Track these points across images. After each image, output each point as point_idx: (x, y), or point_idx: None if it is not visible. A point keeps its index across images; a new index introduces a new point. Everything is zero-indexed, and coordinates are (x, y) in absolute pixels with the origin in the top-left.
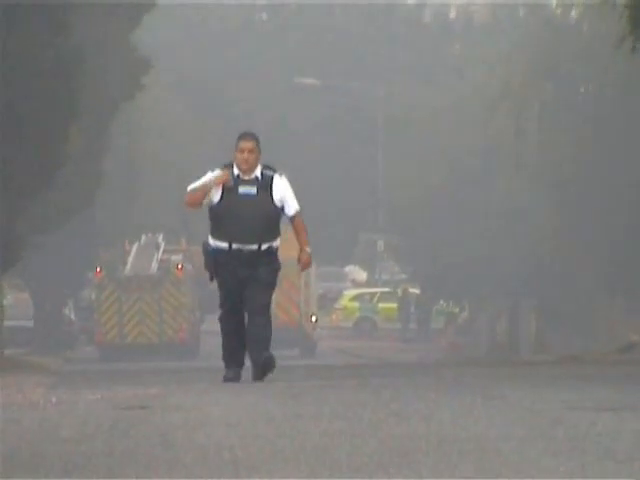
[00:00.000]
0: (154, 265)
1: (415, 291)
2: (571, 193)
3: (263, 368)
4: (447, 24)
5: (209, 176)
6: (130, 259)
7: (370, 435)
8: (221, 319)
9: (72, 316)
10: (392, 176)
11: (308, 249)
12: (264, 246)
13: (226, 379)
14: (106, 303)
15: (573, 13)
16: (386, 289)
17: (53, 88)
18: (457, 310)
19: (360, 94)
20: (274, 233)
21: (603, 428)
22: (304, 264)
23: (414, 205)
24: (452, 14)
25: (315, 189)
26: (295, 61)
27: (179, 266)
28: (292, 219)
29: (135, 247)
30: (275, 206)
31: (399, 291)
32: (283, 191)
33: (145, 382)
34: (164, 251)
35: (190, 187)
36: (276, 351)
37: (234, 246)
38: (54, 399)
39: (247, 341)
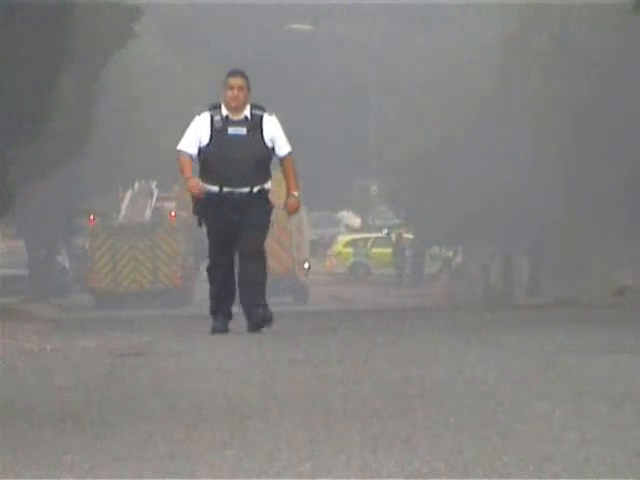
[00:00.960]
0: (148, 212)
1: (409, 236)
2: (567, 136)
3: (259, 323)
4: None
5: (193, 126)
6: (123, 206)
7: (364, 380)
8: (209, 269)
9: (66, 264)
10: (387, 122)
11: (296, 193)
12: (256, 188)
13: (214, 330)
14: (100, 251)
15: None
16: (380, 234)
17: (42, 35)
18: (451, 255)
19: (353, 39)
20: (265, 175)
21: (598, 371)
22: (291, 209)
23: (407, 150)
24: None
25: (309, 133)
26: (288, 8)
27: (172, 213)
28: (282, 160)
29: (128, 194)
30: (266, 147)
31: (393, 236)
32: (274, 131)
33: (140, 329)
34: (158, 198)
35: (179, 145)
36: (268, 299)
37: (225, 189)
38: (49, 347)
39: (239, 289)
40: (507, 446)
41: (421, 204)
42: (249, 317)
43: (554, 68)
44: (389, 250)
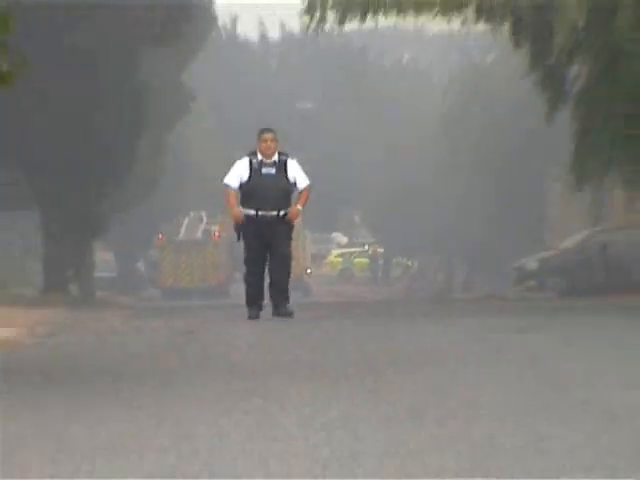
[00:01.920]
0: (199, 233)
1: (380, 250)
2: (494, 176)
3: (283, 315)
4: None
5: (236, 166)
6: (182, 229)
7: (350, 351)
8: (246, 274)
9: (142, 269)
10: (367, 172)
11: (299, 207)
12: (282, 212)
13: (250, 317)
14: (165, 260)
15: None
16: (361, 249)
17: (126, 111)
18: (410, 263)
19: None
20: (289, 203)
21: (520, 344)
22: (292, 215)
23: (380, 192)
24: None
25: (314, 167)
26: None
27: (216, 233)
28: (300, 191)
29: (186, 220)
30: (289, 182)
31: (370, 250)
32: (295, 171)
33: (193, 315)
34: (206, 223)
35: (225, 180)
36: None
37: (260, 213)
38: (130, 326)
39: (270, 289)
40: (449, 390)
41: (389, 228)
42: (276, 309)
43: (485, 133)
44: (367, 260)
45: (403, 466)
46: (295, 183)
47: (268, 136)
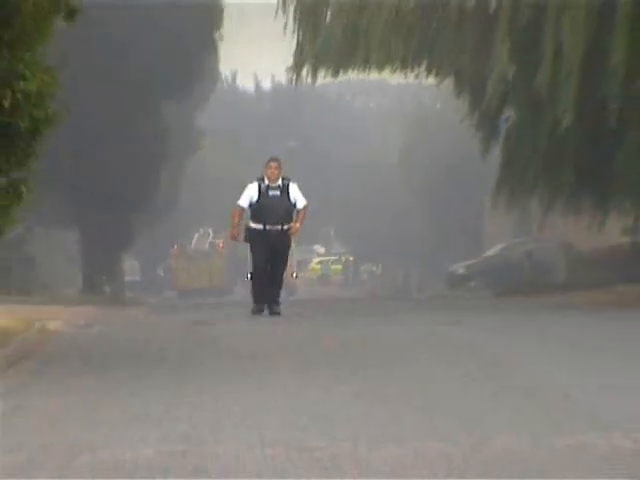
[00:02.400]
0: (206, 245)
1: (350, 258)
2: (431, 201)
3: (274, 312)
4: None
5: (248, 189)
6: (193, 241)
7: (327, 339)
8: (253, 276)
9: (161, 274)
10: (341, 196)
11: (298, 225)
12: (285, 227)
13: (254, 311)
14: (180, 266)
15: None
16: (335, 257)
17: (152, 147)
18: (374, 268)
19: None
20: (290, 219)
21: (451, 334)
22: (293, 230)
23: (349, 212)
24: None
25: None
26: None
27: (220, 245)
28: (299, 210)
29: (196, 235)
30: (291, 202)
31: (343, 258)
32: (295, 193)
33: (203, 310)
34: (212, 237)
35: (239, 201)
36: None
37: (267, 227)
38: (150, 319)
39: (267, 289)
40: (403, 371)
41: (357, 241)
42: (270, 309)
43: (433, 164)
44: (340, 266)
45: (368, 431)
46: (295, 203)
47: (274, 164)
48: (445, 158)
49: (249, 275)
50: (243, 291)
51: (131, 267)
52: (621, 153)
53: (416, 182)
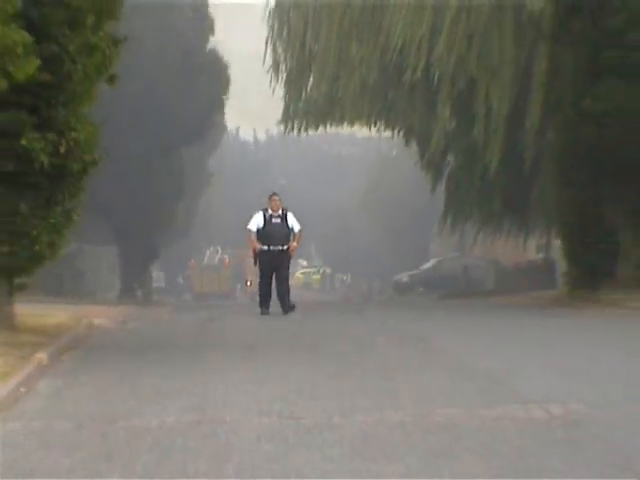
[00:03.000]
0: (216, 260)
1: (328, 270)
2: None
3: (286, 311)
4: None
5: (255, 217)
6: (205, 257)
7: (309, 331)
8: (260, 285)
9: (181, 281)
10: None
11: (295, 244)
12: (284, 247)
13: (261, 314)
14: (195, 275)
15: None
16: (315, 269)
17: (172, 183)
18: (345, 278)
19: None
20: (288, 240)
21: (403, 327)
22: (291, 249)
23: (326, 234)
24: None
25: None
26: None
27: (227, 261)
28: (295, 233)
29: (208, 252)
30: (289, 228)
31: (321, 270)
32: (292, 220)
33: (212, 310)
34: (220, 254)
35: (249, 225)
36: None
37: (271, 247)
38: (172, 317)
39: (278, 296)
40: (368, 356)
41: (332, 256)
42: (283, 309)
43: (391, 197)
44: (319, 276)
45: (341, 404)
46: (292, 228)
47: (276, 197)
48: (400, 194)
49: (248, 283)
50: (243, 295)
51: (157, 276)
52: (535, 189)
53: (377, 212)
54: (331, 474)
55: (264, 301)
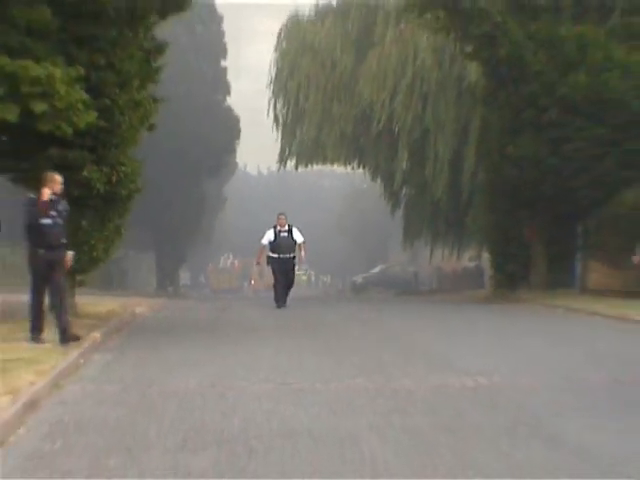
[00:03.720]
0: (228, 264)
1: (313, 272)
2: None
3: (283, 305)
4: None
5: (267, 232)
6: (221, 262)
7: (298, 319)
8: (274, 287)
9: (202, 280)
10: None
11: (303, 253)
12: (291, 255)
13: (277, 307)
14: (213, 275)
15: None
16: (303, 272)
17: (195, 206)
18: (326, 279)
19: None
20: (294, 250)
21: (368, 315)
22: (300, 259)
23: (313, 244)
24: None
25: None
26: None
27: (236, 265)
28: (299, 244)
29: (222, 258)
30: (294, 240)
31: (307, 272)
32: (297, 234)
33: (226, 301)
34: (232, 259)
35: (262, 241)
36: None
37: (280, 255)
38: (195, 306)
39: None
40: (343, 339)
41: (316, 263)
42: (283, 304)
43: (361, 223)
44: (306, 277)
45: (321, 374)
46: (296, 240)
47: (282, 216)
48: (367, 217)
49: (252, 282)
50: (248, 290)
51: (184, 276)
52: (470, 215)
53: (350, 230)
54: (313, 424)
55: (278, 297)
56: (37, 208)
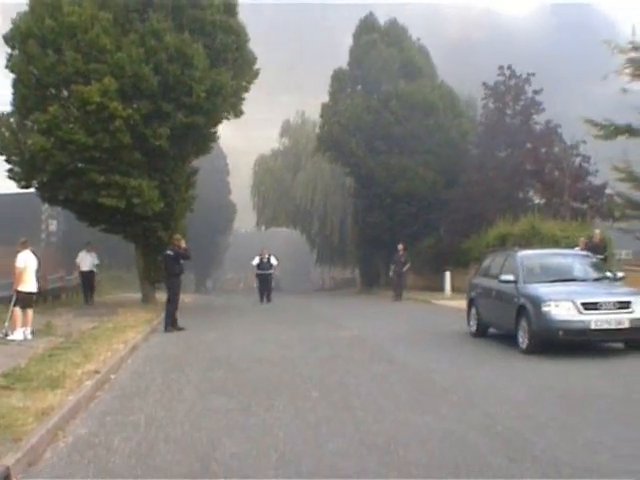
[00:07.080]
0: (229, 276)
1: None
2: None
3: (268, 302)
4: None
5: (255, 259)
6: (228, 276)
7: (289, 312)
8: (259, 291)
9: (219, 286)
10: None
11: (276, 272)
12: (269, 272)
13: (260, 302)
14: (224, 282)
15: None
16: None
17: (213, 244)
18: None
19: None
20: (272, 269)
21: (301, 302)
22: (273, 275)
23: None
24: None
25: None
26: None
27: (238, 278)
28: (274, 266)
29: (229, 274)
30: (271, 263)
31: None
32: (273, 260)
33: (230, 299)
34: (234, 275)
35: (252, 262)
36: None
37: (263, 272)
38: (211, 300)
39: (265, 295)
40: (318, 321)
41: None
42: (267, 299)
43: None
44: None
45: (304, 350)
46: (272, 264)
47: (264, 250)
48: (302, 253)
49: (241, 285)
50: (241, 290)
51: (209, 282)
52: (349, 248)
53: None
54: (271, 355)
55: (261, 297)
56: (176, 255)
